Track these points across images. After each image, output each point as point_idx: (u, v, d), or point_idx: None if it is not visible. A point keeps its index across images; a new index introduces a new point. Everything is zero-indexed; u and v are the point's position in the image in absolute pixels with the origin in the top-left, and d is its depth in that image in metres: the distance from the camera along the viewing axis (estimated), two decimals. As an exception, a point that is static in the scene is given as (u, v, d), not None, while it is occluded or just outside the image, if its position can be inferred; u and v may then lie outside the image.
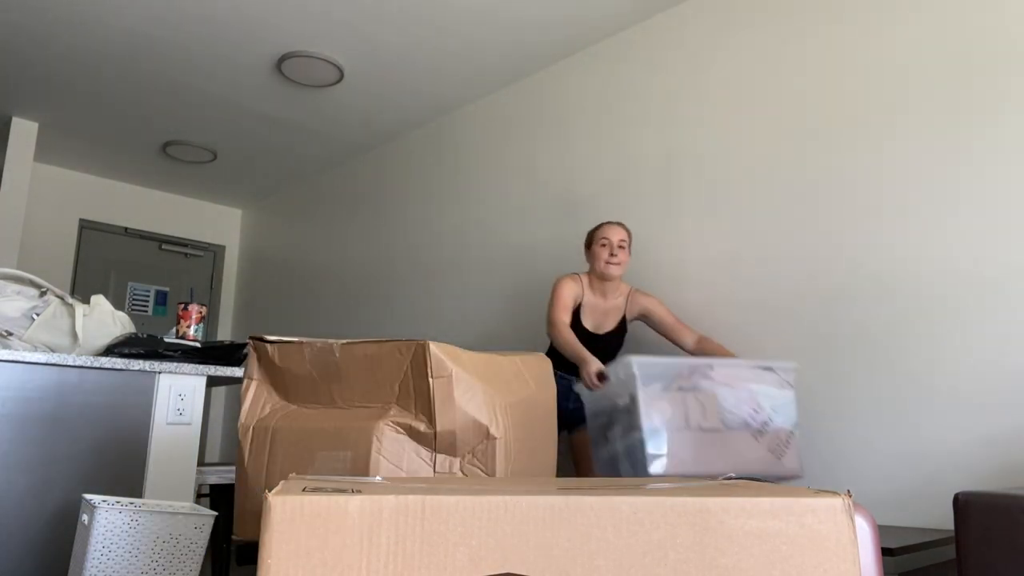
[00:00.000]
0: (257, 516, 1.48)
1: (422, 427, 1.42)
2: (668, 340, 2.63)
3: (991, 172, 2.12)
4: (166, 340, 2.25)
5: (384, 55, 3.51)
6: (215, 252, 5.75)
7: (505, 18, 3.19)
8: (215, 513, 1.82)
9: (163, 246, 5.48)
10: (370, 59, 3.54)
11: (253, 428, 1.55)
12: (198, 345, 2.28)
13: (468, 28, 3.27)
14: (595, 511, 0.75)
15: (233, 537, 1.73)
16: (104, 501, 1.80)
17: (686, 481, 1.07)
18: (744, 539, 0.76)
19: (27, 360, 1.95)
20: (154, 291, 5.42)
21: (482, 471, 1.46)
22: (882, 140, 2.36)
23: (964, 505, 1.40)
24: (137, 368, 2.14)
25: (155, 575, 1.71)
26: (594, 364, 2.21)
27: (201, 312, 2.52)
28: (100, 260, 5.18)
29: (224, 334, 5.70)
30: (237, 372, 2.31)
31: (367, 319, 4.39)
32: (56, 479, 1.98)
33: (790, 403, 2.12)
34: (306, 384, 1.56)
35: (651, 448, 1.90)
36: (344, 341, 1.51)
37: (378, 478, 1.03)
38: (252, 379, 1.61)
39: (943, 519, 2.08)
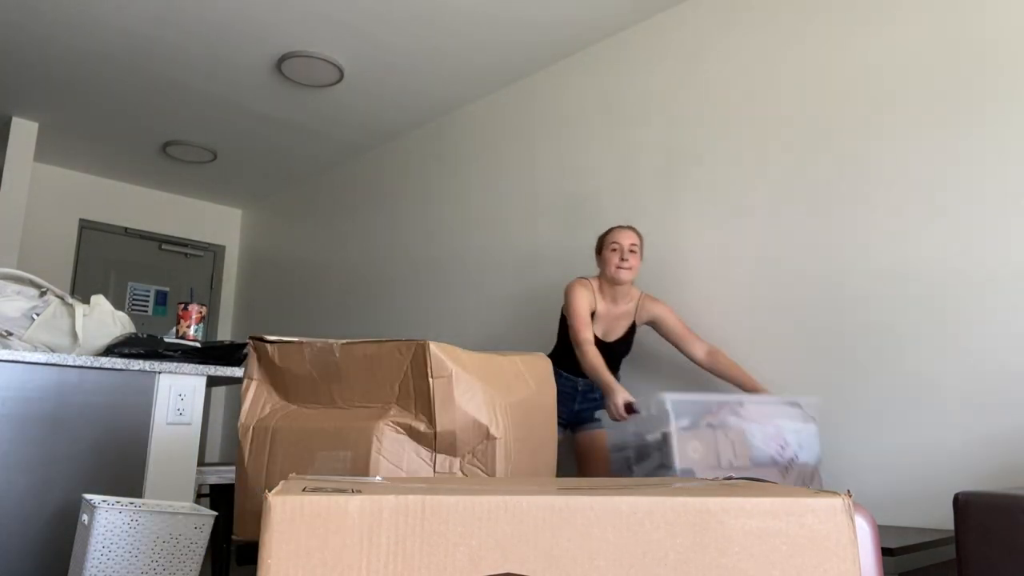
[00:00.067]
0: (257, 516, 1.48)
1: (422, 427, 1.42)
2: (677, 348, 2.61)
3: (991, 171, 2.12)
4: (166, 340, 2.25)
5: (384, 55, 3.51)
6: (215, 252, 5.75)
7: (505, 18, 3.19)
8: (215, 513, 1.82)
9: (163, 246, 5.48)
10: (370, 59, 3.54)
11: (253, 428, 1.55)
12: (198, 345, 2.28)
13: (468, 28, 3.27)
14: (595, 511, 0.75)
15: (233, 537, 1.73)
16: (104, 501, 1.80)
17: (686, 481, 1.07)
18: (744, 539, 0.76)
19: (27, 360, 1.95)
20: (154, 291, 5.42)
21: (482, 471, 1.46)
22: (882, 139, 2.36)
23: (964, 505, 1.40)
24: (137, 368, 2.14)
25: (155, 575, 1.71)
26: (621, 395, 2.17)
27: (201, 312, 2.52)
28: (100, 260, 5.18)
29: (224, 334, 5.70)
30: (237, 372, 2.31)
31: (367, 319, 4.39)
32: (56, 479, 1.98)
33: (814, 437, 2.12)
34: (306, 384, 1.56)
35: None
36: (344, 341, 1.51)
37: (378, 478, 1.03)
38: (252, 379, 1.61)
39: (943, 519, 2.08)
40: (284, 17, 3.21)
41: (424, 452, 1.43)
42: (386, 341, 1.48)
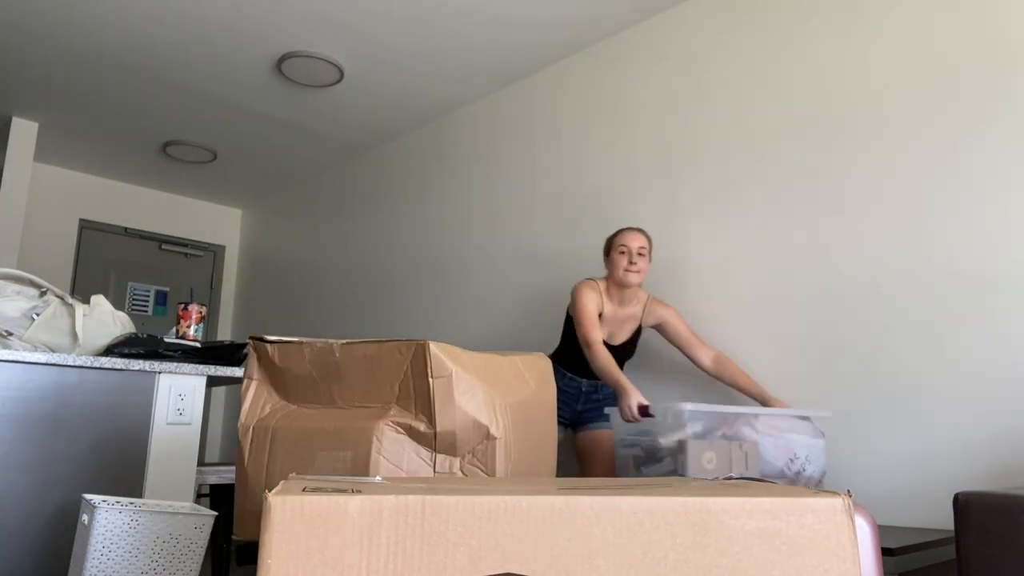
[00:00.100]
0: (257, 516, 1.48)
1: (422, 427, 1.42)
2: (682, 353, 2.60)
3: (991, 171, 2.12)
4: (166, 340, 2.25)
5: (384, 55, 3.51)
6: (215, 252, 5.75)
7: (505, 18, 3.19)
8: (215, 513, 1.82)
9: (163, 246, 5.48)
10: (370, 59, 3.54)
11: (253, 428, 1.55)
12: (198, 345, 2.28)
13: (468, 28, 3.27)
14: (595, 511, 0.75)
15: (233, 537, 1.73)
16: (104, 501, 1.80)
17: (686, 481, 1.07)
18: (744, 539, 0.76)
19: (27, 360, 1.95)
20: (154, 291, 5.42)
21: (482, 471, 1.46)
22: (882, 139, 2.36)
23: (964, 505, 1.40)
24: (137, 368, 2.14)
25: (155, 575, 1.71)
26: (635, 397, 2.16)
27: (201, 312, 2.52)
28: (100, 260, 5.18)
29: (224, 334, 5.70)
30: (237, 372, 2.31)
31: (367, 319, 4.39)
32: (56, 479, 1.98)
33: (821, 451, 2.15)
34: (306, 384, 1.56)
35: None
36: (344, 341, 1.51)
37: (378, 478, 1.03)
38: (252, 379, 1.61)
39: (943, 519, 2.08)
40: (284, 17, 3.21)
41: (424, 452, 1.43)
42: (386, 341, 1.48)
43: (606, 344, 2.57)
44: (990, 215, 2.11)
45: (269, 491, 0.73)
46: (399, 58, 3.53)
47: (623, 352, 2.61)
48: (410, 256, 4.16)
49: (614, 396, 2.71)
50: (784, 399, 2.45)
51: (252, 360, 1.61)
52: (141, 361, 2.15)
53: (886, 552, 1.63)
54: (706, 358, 2.52)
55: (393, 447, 1.41)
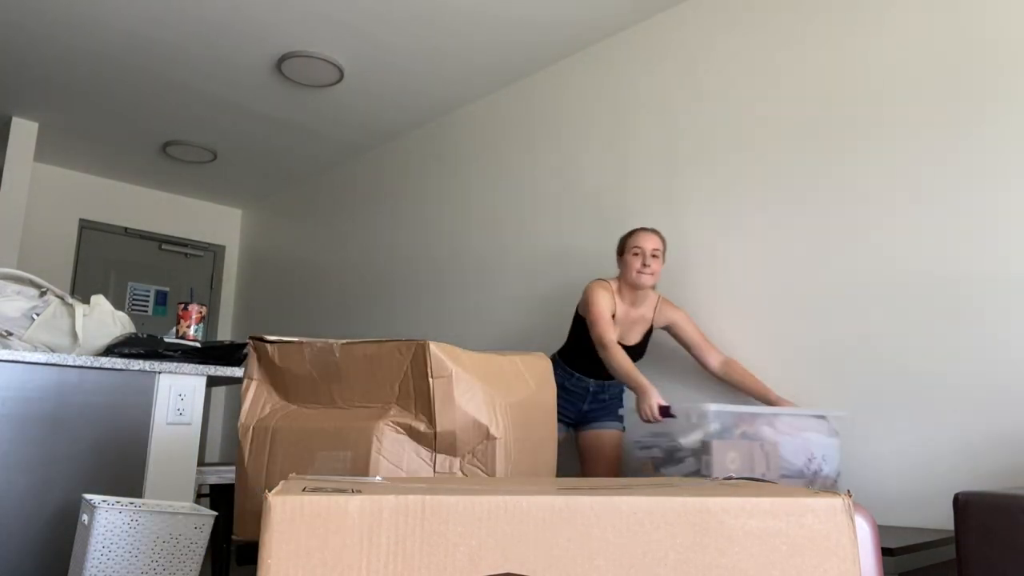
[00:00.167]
0: (257, 516, 1.48)
1: (422, 427, 1.42)
2: (691, 356, 2.60)
3: (991, 171, 2.12)
4: (166, 340, 2.25)
5: (384, 55, 3.51)
6: (215, 252, 5.75)
7: (505, 18, 3.19)
8: (215, 513, 1.82)
9: (163, 246, 5.48)
10: (370, 59, 3.54)
11: (253, 428, 1.55)
12: (198, 345, 2.28)
13: (468, 28, 3.27)
14: (595, 511, 0.75)
15: (233, 537, 1.73)
16: (104, 501, 1.80)
17: (686, 481, 1.07)
18: (744, 539, 0.76)
19: (27, 360, 1.95)
20: (154, 291, 5.42)
21: (482, 471, 1.46)
22: (882, 139, 2.36)
23: (964, 505, 1.40)
24: (137, 368, 2.14)
25: (155, 575, 1.71)
26: (656, 397, 2.15)
27: (201, 312, 2.52)
28: (100, 260, 5.18)
29: (224, 334, 5.70)
30: (237, 372, 2.31)
31: (367, 319, 4.39)
32: (56, 479, 1.98)
33: (836, 451, 2.16)
34: (306, 384, 1.56)
35: None
36: (344, 341, 1.51)
37: (378, 478, 1.03)
38: (252, 379, 1.61)
39: (943, 519, 2.08)
40: (284, 17, 3.21)
41: (424, 452, 1.43)
42: (386, 341, 1.48)
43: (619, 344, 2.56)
44: (990, 215, 2.11)
45: (269, 491, 0.73)
46: (399, 58, 3.53)
47: (634, 353, 2.60)
48: (410, 256, 4.16)
49: (620, 396, 2.71)
50: (788, 399, 2.45)
51: (252, 360, 1.61)
52: (141, 361, 2.15)
53: (886, 552, 1.63)
54: (715, 361, 2.52)
55: (393, 447, 1.41)
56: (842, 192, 2.43)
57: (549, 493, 0.76)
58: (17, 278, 2.17)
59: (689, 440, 1.98)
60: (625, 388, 2.74)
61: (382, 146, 4.54)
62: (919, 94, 2.30)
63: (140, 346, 2.19)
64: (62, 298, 2.20)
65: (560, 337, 3.19)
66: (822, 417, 2.18)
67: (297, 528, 0.71)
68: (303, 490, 0.75)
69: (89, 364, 2.05)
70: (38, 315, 2.13)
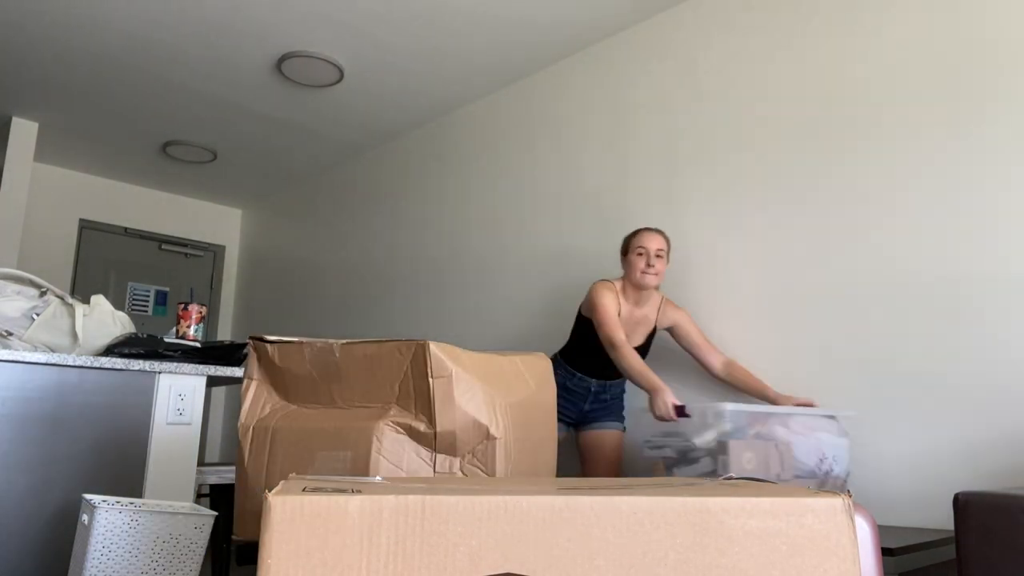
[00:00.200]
0: (257, 516, 1.48)
1: (422, 427, 1.42)
2: (692, 357, 2.60)
3: (991, 171, 2.12)
4: (166, 340, 2.25)
5: (384, 55, 3.51)
6: (215, 252, 5.75)
7: (505, 18, 3.19)
8: (215, 513, 1.82)
9: (163, 246, 5.48)
10: (370, 59, 3.54)
11: (253, 428, 1.55)
12: (198, 345, 2.28)
13: (468, 28, 3.27)
14: (595, 511, 0.75)
15: (233, 537, 1.73)
16: (104, 501, 1.80)
17: (686, 481, 1.07)
18: (744, 539, 0.76)
19: (27, 360, 1.95)
20: (154, 291, 5.42)
21: (482, 471, 1.46)
22: (882, 139, 2.36)
23: (964, 505, 1.40)
24: (137, 368, 2.14)
25: (155, 575, 1.71)
26: (670, 395, 2.14)
27: (201, 312, 2.52)
28: (100, 260, 5.18)
29: (224, 334, 5.70)
30: (237, 372, 2.31)
31: (367, 319, 4.39)
32: (56, 479, 1.98)
33: (846, 451, 2.15)
34: (306, 384, 1.56)
35: None
36: (344, 341, 1.51)
37: (378, 478, 1.03)
38: (252, 379, 1.61)
39: (943, 519, 2.08)
40: (284, 17, 3.21)
41: (424, 452, 1.43)
42: (386, 341, 1.48)
43: None
44: (990, 215, 2.11)
45: (269, 491, 0.73)
46: (399, 58, 3.53)
47: (638, 353, 2.60)
48: (410, 256, 4.16)
49: (621, 396, 2.71)
50: (787, 395, 2.45)
51: (252, 360, 1.61)
52: (141, 361, 2.15)
53: (886, 552, 1.63)
54: (716, 363, 2.52)
55: (393, 447, 1.41)
56: (842, 192, 2.43)
57: (549, 493, 0.76)
58: (17, 278, 2.17)
59: (704, 440, 1.97)
60: (626, 388, 2.74)
61: (382, 146, 4.54)
62: (919, 94, 2.30)
63: (140, 346, 2.19)
64: (62, 298, 2.20)
65: (560, 337, 3.19)
66: (832, 417, 2.18)
67: (297, 528, 0.71)
68: (303, 490, 0.75)
69: (89, 364, 2.05)
70: (38, 315, 2.13)
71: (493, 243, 3.66)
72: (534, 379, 1.70)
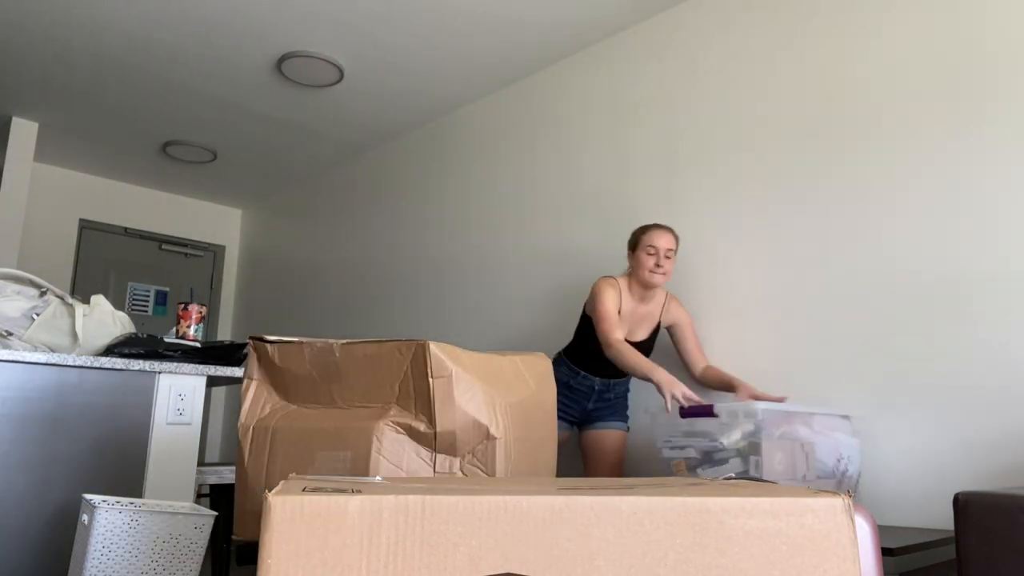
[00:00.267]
0: (257, 516, 1.48)
1: (422, 427, 1.42)
2: (680, 356, 2.62)
3: (991, 171, 2.12)
4: (166, 340, 2.25)
5: (384, 55, 3.51)
6: (215, 252, 5.75)
7: (505, 18, 3.19)
8: (215, 513, 1.82)
9: (163, 246, 5.48)
10: (370, 59, 3.54)
11: (253, 428, 1.55)
12: (198, 345, 2.28)
13: (468, 28, 3.27)
14: (595, 511, 0.75)
15: (233, 537, 1.73)
16: (104, 501, 1.80)
17: (686, 481, 1.07)
18: (744, 539, 0.76)
19: (27, 360, 1.95)
20: (154, 291, 5.42)
21: (482, 471, 1.46)
22: (882, 139, 2.36)
23: (964, 505, 1.40)
24: (137, 368, 2.14)
25: (155, 575, 1.71)
26: (678, 385, 2.11)
27: (201, 312, 2.52)
28: (100, 260, 5.18)
29: (224, 334, 5.70)
30: (237, 372, 2.31)
31: (367, 319, 4.39)
32: (56, 479, 1.98)
33: (858, 451, 2.17)
34: (306, 384, 1.56)
35: None
36: (344, 341, 1.51)
37: (378, 478, 1.03)
38: (252, 379, 1.61)
39: (943, 519, 2.08)
40: (284, 17, 3.21)
41: (424, 452, 1.43)
42: (386, 341, 1.48)
43: (626, 341, 2.55)
44: (990, 215, 2.11)
45: (269, 491, 0.73)
46: (399, 58, 3.53)
47: (641, 349, 2.60)
48: (410, 256, 4.16)
49: (625, 396, 2.71)
50: (783, 396, 2.44)
51: (252, 360, 1.61)
52: (141, 361, 2.15)
53: (886, 552, 1.63)
54: (699, 368, 2.58)
55: (393, 447, 1.41)
56: (842, 192, 2.43)
57: (549, 493, 0.76)
58: (17, 278, 2.17)
59: (732, 440, 1.91)
60: (630, 388, 2.74)
61: (382, 146, 4.54)
62: (919, 94, 2.30)
63: (140, 346, 2.19)
64: (62, 298, 2.20)
65: (561, 336, 3.19)
66: (847, 417, 2.18)
67: (297, 528, 0.71)
68: (303, 490, 0.75)
69: (89, 364, 2.05)
70: (38, 315, 2.13)
71: (493, 243, 3.66)
72: (534, 379, 1.70)
